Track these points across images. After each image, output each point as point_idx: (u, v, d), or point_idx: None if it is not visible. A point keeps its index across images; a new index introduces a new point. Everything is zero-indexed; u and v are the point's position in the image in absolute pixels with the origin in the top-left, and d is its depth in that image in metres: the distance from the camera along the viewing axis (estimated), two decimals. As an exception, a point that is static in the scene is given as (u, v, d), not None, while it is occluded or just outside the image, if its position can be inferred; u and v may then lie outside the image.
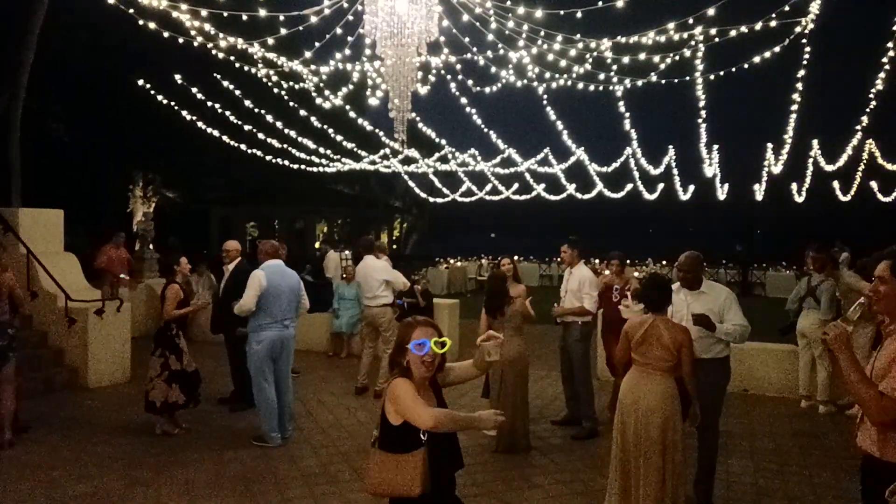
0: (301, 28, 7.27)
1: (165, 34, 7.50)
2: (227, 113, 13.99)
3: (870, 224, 24.34)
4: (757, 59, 7.97)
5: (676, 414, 4.09)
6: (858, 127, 16.22)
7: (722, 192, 26.03)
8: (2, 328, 5.82)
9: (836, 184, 23.77)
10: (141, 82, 11.77)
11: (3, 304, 5.86)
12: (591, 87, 9.20)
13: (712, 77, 8.84)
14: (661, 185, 26.15)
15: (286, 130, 15.70)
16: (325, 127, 16.01)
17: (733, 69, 8.52)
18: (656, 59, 7.73)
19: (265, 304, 5.92)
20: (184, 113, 13.78)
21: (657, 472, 4.05)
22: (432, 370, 2.79)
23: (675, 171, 24.39)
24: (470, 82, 10.00)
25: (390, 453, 2.70)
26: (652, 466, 4.04)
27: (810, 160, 21.34)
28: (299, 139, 16.83)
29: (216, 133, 15.27)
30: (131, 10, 6.89)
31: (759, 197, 25.01)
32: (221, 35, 7.56)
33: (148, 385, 6.18)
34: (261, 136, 15.89)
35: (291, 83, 10.33)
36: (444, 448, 2.72)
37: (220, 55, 8.39)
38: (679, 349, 4.11)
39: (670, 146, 22.99)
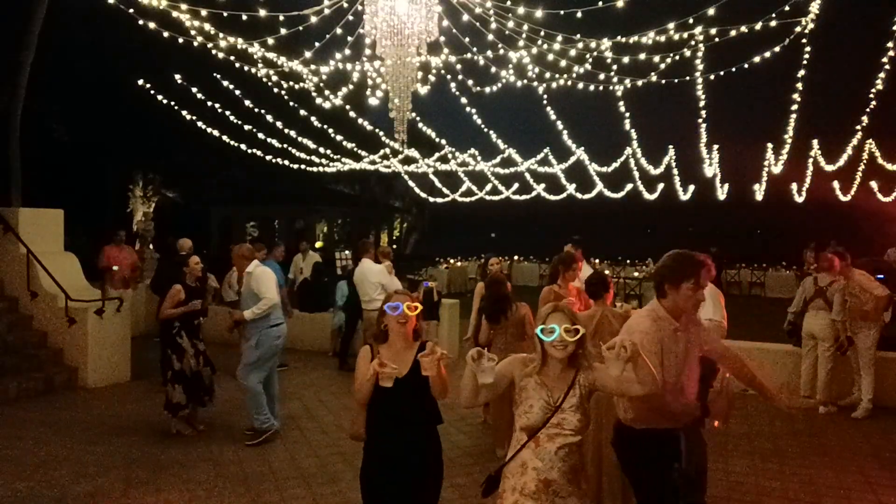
0: (301, 28, 7.27)
1: (165, 34, 7.50)
2: (227, 113, 13.98)
3: (869, 224, 24.28)
4: (757, 59, 7.97)
5: None
6: (858, 127, 16.20)
7: (722, 192, 25.98)
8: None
9: (835, 183, 23.72)
10: (141, 82, 11.77)
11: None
12: (591, 87, 9.20)
13: (712, 77, 8.84)
14: (661, 185, 26.12)
15: (286, 130, 15.70)
16: (325, 127, 16.00)
17: (733, 69, 8.52)
18: (656, 59, 7.73)
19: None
20: (184, 113, 13.78)
21: (615, 465, 4.09)
22: (408, 329, 3.17)
23: (675, 171, 24.35)
24: (470, 82, 9.99)
25: None
26: (610, 461, 4.11)
27: (810, 160, 21.32)
28: (299, 139, 16.82)
29: (216, 133, 15.26)
30: (131, 10, 6.90)
31: (759, 197, 24.95)
32: (221, 35, 7.56)
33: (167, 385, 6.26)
34: (261, 136, 15.89)
35: (291, 83, 10.31)
36: (382, 410, 3.11)
37: (220, 55, 8.39)
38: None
39: (670, 146, 22.95)
